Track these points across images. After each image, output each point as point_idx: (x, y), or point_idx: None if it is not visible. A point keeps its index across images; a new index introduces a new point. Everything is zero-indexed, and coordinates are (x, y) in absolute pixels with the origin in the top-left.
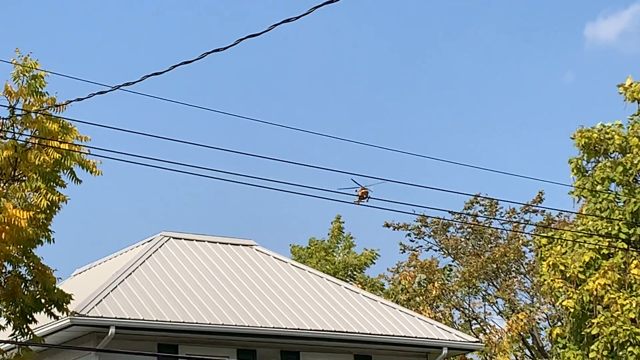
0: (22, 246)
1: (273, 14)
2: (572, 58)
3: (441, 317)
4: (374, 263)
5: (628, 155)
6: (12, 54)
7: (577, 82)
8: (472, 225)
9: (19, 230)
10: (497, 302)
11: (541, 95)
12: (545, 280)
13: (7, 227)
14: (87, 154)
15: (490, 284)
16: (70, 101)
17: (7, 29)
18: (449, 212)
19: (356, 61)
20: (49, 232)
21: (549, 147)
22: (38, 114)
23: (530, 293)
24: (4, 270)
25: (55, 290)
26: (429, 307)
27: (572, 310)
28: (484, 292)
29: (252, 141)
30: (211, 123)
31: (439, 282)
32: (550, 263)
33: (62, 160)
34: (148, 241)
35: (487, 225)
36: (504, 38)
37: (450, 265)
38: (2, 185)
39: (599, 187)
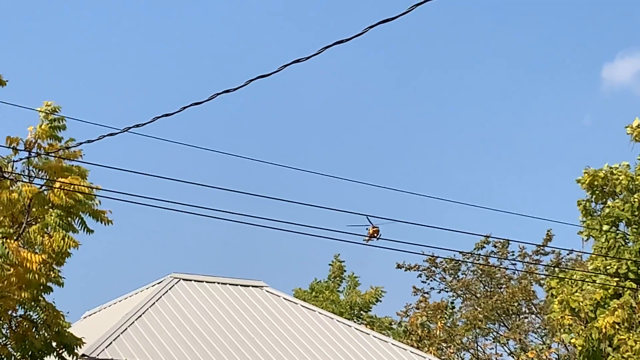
0: (34, 290)
1: (283, 53)
2: (589, 100)
3: (448, 359)
4: (380, 301)
5: (636, 194)
6: (23, 95)
7: (594, 124)
8: (483, 267)
9: (32, 274)
10: (508, 342)
11: (560, 136)
12: (555, 317)
13: (19, 269)
14: (101, 197)
15: (502, 324)
16: (81, 143)
17: (16, 68)
18: (460, 253)
19: (366, 100)
20: (59, 277)
21: (566, 188)
22: (55, 158)
23: (541, 333)
24: (14, 314)
25: (67, 334)
26: (434, 349)
27: (580, 348)
28: (495, 333)
29: (262, 182)
30: (221, 164)
31: (442, 322)
32: (561, 300)
33: (79, 204)
34: (158, 283)
35: (498, 265)
36: (519, 79)
37: (453, 303)
38: (14, 229)
39: (605, 227)
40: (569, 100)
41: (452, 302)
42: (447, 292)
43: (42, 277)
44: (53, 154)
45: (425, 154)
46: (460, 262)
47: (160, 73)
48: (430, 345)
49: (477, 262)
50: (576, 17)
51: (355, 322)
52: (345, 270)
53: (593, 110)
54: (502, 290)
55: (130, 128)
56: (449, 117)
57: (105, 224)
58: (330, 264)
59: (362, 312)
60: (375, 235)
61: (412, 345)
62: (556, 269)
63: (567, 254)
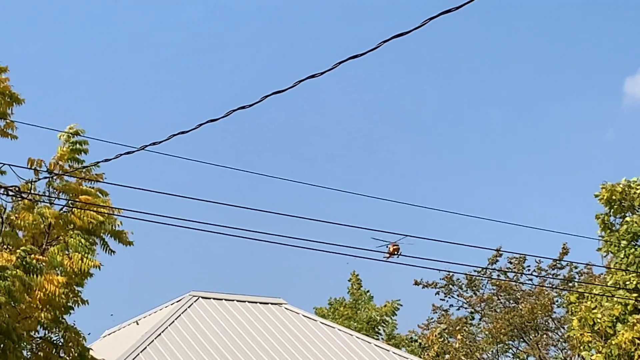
0: (56, 312)
1: (298, 69)
2: (611, 114)
3: None
4: (396, 314)
5: None
6: (36, 111)
7: (617, 138)
8: (500, 282)
9: (54, 297)
10: (527, 358)
11: (581, 151)
12: (574, 335)
13: (43, 291)
14: (119, 216)
15: (522, 340)
16: (98, 162)
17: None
18: (476, 270)
19: (382, 115)
20: (80, 298)
21: (587, 202)
22: (76, 179)
23: (562, 347)
24: (35, 336)
25: (87, 356)
26: None
27: None
28: (515, 349)
29: (279, 199)
30: (237, 181)
31: (461, 334)
32: (580, 317)
33: (101, 225)
34: (177, 301)
35: (515, 281)
36: (538, 92)
37: (472, 314)
38: (37, 249)
39: (623, 243)
40: (591, 114)
41: (471, 313)
42: (465, 308)
43: (62, 299)
44: (74, 176)
45: (439, 168)
46: (477, 277)
47: (176, 90)
48: None
49: (495, 277)
50: (598, 30)
51: (373, 338)
52: (362, 286)
53: (615, 124)
54: (520, 305)
55: (146, 146)
56: (465, 131)
57: (125, 245)
58: (349, 280)
59: (379, 326)
60: (396, 252)
61: None
62: (575, 284)
63: (583, 268)
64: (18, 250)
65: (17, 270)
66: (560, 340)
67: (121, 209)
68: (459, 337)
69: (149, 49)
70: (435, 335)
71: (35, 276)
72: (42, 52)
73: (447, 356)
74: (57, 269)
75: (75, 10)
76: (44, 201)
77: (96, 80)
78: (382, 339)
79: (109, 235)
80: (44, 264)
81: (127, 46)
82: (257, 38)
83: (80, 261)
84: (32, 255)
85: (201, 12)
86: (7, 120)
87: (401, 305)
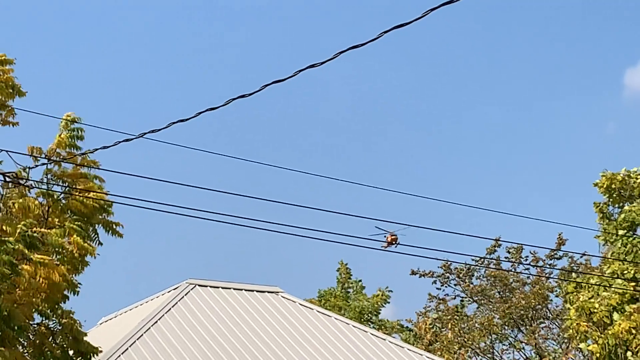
0: (54, 299)
1: (298, 58)
2: (612, 107)
3: None
4: (388, 302)
5: None
6: (35, 100)
7: (618, 132)
8: (495, 273)
9: (54, 287)
10: (524, 348)
11: (584, 149)
12: (571, 324)
13: (44, 281)
14: (117, 204)
15: (519, 330)
16: (96, 149)
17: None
18: (473, 259)
19: (382, 108)
20: (77, 286)
21: (587, 201)
22: (73, 166)
23: (559, 340)
24: (32, 323)
25: (83, 342)
26: (447, 353)
27: (597, 355)
28: (512, 339)
29: (277, 188)
30: (236, 170)
31: (453, 324)
32: (577, 307)
33: (97, 211)
34: (174, 289)
35: (512, 271)
36: (539, 85)
37: (463, 301)
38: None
39: (621, 232)
40: (591, 109)
41: (461, 301)
42: (462, 298)
43: (61, 289)
44: (71, 162)
45: (438, 164)
46: (473, 267)
47: (176, 78)
48: (442, 349)
49: (491, 267)
50: (598, 30)
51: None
52: (351, 276)
53: (616, 117)
54: (515, 295)
55: (145, 134)
56: (465, 128)
57: (116, 237)
58: (337, 270)
59: (371, 315)
60: (394, 242)
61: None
62: (573, 274)
63: (580, 257)
64: (19, 225)
65: (19, 244)
66: (560, 334)
67: (119, 195)
68: (450, 325)
69: (149, 48)
70: (427, 325)
71: (35, 250)
72: (42, 51)
73: (439, 345)
74: (56, 251)
75: (75, 10)
76: (41, 187)
77: (96, 79)
78: (374, 327)
79: (101, 225)
80: (45, 238)
81: (127, 46)
82: (257, 37)
83: (83, 245)
84: (34, 229)
85: (201, 12)
86: (8, 109)
87: (391, 291)
